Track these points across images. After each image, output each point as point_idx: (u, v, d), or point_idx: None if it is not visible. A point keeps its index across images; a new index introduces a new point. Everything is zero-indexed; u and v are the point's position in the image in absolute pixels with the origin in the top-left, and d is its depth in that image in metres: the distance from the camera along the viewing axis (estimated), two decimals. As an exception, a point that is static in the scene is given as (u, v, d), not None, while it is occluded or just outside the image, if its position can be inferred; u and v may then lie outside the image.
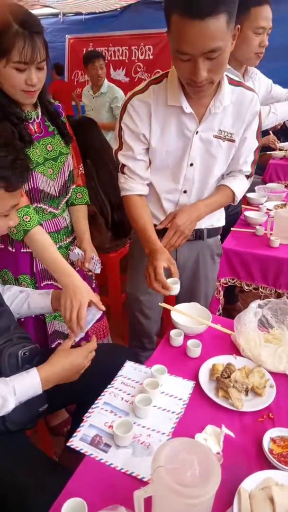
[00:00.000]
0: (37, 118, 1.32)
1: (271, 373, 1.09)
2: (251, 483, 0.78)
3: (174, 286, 1.20)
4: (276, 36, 2.26)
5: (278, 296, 1.81)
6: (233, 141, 1.28)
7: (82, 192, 1.56)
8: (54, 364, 0.99)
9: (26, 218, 1.22)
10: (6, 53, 1.08)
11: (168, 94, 1.19)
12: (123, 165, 1.33)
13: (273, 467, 0.84)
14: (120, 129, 1.28)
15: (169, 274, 1.22)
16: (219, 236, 1.57)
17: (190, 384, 1.06)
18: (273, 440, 0.89)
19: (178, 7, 0.91)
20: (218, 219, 1.50)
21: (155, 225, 1.35)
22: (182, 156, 1.28)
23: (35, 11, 5.19)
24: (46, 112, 1.35)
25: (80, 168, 1.56)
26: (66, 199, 1.49)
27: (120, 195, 2.33)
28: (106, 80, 3.60)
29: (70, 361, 1.01)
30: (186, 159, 1.28)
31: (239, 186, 1.39)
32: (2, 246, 1.38)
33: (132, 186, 1.35)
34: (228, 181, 1.39)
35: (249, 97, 1.25)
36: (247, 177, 1.41)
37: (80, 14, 5.35)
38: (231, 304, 2.58)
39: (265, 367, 1.10)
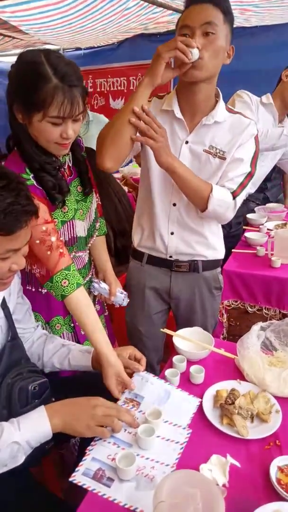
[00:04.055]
0: (69, 161, 1.28)
1: (277, 397, 1.07)
2: (258, 516, 0.75)
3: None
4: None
5: (284, 316, 1.79)
6: (224, 158, 1.29)
7: (100, 222, 1.48)
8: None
9: (65, 283, 1.14)
10: (43, 107, 1.01)
11: (165, 101, 1.31)
12: None
13: (282, 498, 0.81)
14: None
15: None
16: (218, 269, 1.52)
17: (196, 401, 1.04)
18: (280, 469, 0.86)
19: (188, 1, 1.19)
20: (214, 251, 1.45)
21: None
22: None
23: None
24: (74, 158, 1.30)
25: (97, 199, 1.47)
26: (93, 239, 1.41)
27: (122, 223, 2.36)
28: (88, 110, 3.86)
29: (79, 398, 0.97)
30: None
31: (220, 190, 1.29)
32: (33, 289, 1.31)
33: None
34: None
35: (246, 122, 1.30)
36: (233, 195, 1.31)
37: (79, 49, 5.58)
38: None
39: (270, 391, 1.08)
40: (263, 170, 2.32)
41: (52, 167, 1.16)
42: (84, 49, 5.53)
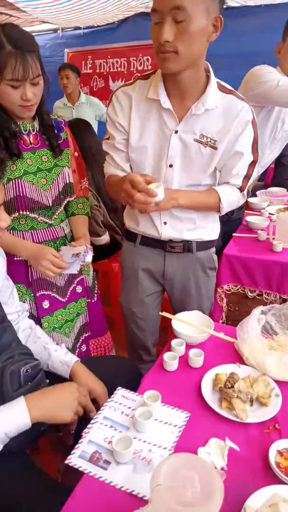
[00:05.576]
0: (33, 130, 1.37)
1: (277, 381, 1.05)
2: (257, 500, 0.74)
3: (158, 190, 1.07)
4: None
5: (284, 301, 1.76)
6: (215, 148, 1.23)
7: (83, 203, 1.57)
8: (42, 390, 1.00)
9: None
10: (0, 72, 1.16)
11: (151, 88, 1.22)
12: (107, 153, 1.36)
13: (281, 481, 0.80)
14: (106, 120, 1.33)
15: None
16: (213, 249, 1.49)
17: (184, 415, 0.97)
18: (280, 452, 0.85)
19: None
20: (209, 232, 1.42)
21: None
22: (161, 155, 1.26)
23: (34, 27, 5.27)
24: (41, 124, 1.38)
25: (83, 182, 1.57)
26: (61, 209, 1.48)
27: (114, 200, 2.32)
28: (82, 92, 4.01)
29: (59, 386, 1.01)
30: (165, 159, 1.26)
31: (228, 193, 1.30)
32: None
33: (112, 170, 1.37)
34: (218, 187, 1.32)
35: (239, 105, 1.20)
36: (240, 190, 1.32)
37: (79, 28, 5.42)
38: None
39: (270, 375, 1.07)
40: (273, 154, 2.25)
41: (9, 131, 1.28)
42: (84, 28, 5.38)
